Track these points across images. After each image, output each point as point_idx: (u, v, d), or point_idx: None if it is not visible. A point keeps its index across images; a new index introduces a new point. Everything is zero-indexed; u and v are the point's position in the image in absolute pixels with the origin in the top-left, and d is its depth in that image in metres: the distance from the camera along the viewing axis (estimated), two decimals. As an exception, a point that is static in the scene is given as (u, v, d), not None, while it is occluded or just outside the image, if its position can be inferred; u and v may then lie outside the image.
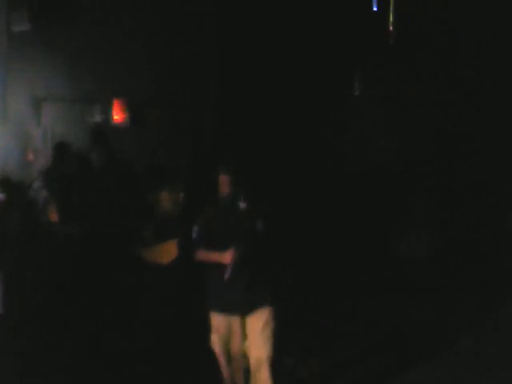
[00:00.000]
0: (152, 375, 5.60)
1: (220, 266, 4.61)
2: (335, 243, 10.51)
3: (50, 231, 6.70)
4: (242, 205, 4.74)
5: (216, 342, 4.66)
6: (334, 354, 6.62)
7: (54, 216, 6.77)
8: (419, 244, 11.14)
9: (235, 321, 4.57)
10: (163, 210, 7.11)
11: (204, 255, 4.66)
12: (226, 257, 4.51)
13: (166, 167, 8.24)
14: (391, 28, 14.08)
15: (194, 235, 4.78)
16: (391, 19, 14.07)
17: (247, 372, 4.72)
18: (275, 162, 10.93)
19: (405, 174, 12.72)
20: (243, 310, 4.58)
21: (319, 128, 13.59)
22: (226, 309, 4.58)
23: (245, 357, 4.70)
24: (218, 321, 4.62)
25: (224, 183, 4.76)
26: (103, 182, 6.76)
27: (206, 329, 4.66)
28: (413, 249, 11.06)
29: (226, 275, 4.59)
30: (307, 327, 7.17)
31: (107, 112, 13.08)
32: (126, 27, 13.00)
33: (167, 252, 6.55)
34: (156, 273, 6.42)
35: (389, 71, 13.60)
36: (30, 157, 12.55)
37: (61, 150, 7.59)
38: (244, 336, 4.62)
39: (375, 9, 14.10)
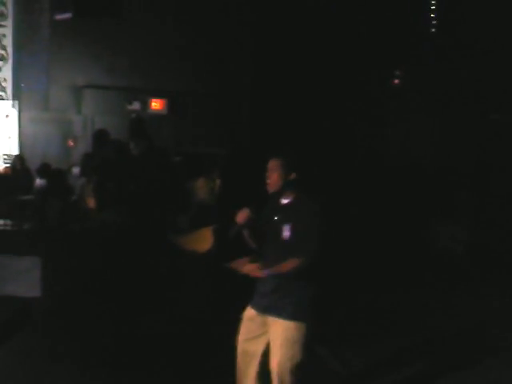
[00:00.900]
0: (180, 361, 5.57)
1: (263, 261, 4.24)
2: (374, 236, 10.44)
3: (88, 217, 6.79)
4: (284, 200, 4.20)
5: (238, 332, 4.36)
6: (372, 349, 6.20)
7: (91, 203, 6.84)
8: (458, 236, 11.05)
9: (257, 317, 4.27)
10: (199, 197, 7.15)
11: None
12: (237, 216, 4.07)
13: (203, 155, 8.27)
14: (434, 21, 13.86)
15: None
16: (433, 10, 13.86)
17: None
18: (313, 156, 10.85)
19: (446, 170, 12.57)
20: (262, 309, 4.24)
21: (359, 122, 13.53)
22: (252, 303, 4.32)
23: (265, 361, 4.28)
24: (246, 311, 4.44)
25: (274, 169, 4.15)
26: (141, 169, 6.79)
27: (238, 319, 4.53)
28: (451, 240, 10.98)
29: (230, 233, 4.15)
30: (343, 320, 7.00)
31: (146, 100, 13.20)
32: (165, 19, 13.09)
33: (203, 239, 6.58)
34: (191, 260, 6.46)
35: (431, 65, 13.39)
36: (70, 144, 12.74)
37: (100, 137, 7.63)
38: (264, 339, 4.26)
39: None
